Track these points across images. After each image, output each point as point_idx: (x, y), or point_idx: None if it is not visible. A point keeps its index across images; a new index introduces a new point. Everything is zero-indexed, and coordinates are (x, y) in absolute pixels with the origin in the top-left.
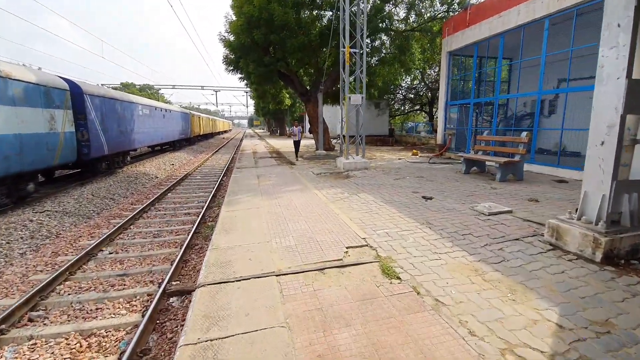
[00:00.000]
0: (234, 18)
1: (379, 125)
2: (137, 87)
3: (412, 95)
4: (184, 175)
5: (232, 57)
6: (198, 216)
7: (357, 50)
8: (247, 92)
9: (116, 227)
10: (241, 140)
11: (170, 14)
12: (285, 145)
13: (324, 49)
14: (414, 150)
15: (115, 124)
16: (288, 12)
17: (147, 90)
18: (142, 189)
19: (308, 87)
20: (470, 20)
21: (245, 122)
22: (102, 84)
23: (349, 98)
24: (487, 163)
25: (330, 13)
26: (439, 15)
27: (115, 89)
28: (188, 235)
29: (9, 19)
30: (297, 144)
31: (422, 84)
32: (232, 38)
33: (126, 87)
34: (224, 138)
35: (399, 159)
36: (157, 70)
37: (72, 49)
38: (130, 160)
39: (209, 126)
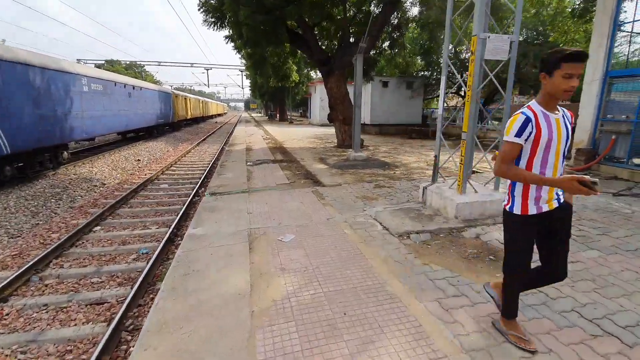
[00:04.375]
0: None
1: (410, 110)
2: (123, 64)
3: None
4: (143, 181)
5: None
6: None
7: None
8: (242, 72)
9: None
10: (235, 126)
11: None
12: (289, 135)
13: None
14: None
15: (30, 104)
16: None
17: (134, 69)
18: (57, 218)
19: (329, 54)
20: None
21: (242, 105)
22: (80, 60)
23: (482, 40)
24: None
25: None
26: None
27: (98, 66)
28: None
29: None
30: None
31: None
32: None
33: (111, 64)
34: (217, 122)
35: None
36: (149, 50)
37: (64, 30)
38: (67, 158)
39: (198, 109)
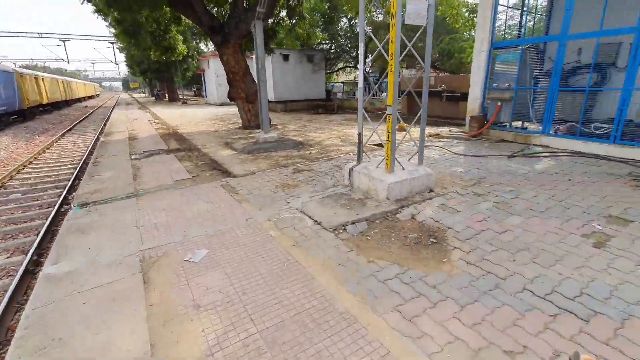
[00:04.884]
0: None
1: (313, 85)
2: None
3: (347, 45)
4: None
5: None
6: None
7: None
8: (113, 44)
9: None
10: (112, 109)
11: None
12: (184, 118)
13: None
14: (399, 124)
15: None
16: None
17: None
18: None
19: (222, 22)
20: None
21: (118, 84)
22: None
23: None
24: None
25: None
26: None
27: None
28: None
29: None
30: None
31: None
32: None
33: None
34: (87, 107)
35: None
36: None
37: None
38: None
39: (58, 91)
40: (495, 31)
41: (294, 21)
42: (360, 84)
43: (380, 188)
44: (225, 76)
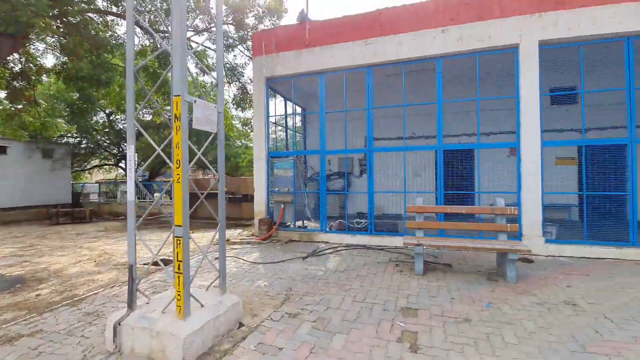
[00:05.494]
0: None
1: (52, 186)
2: None
3: (106, 140)
4: None
5: None
6: None
7: None
8: None
9: None
10: None
11: None
12: None
13: None
14: None
15: None
16: None
17: None
18: None
19: None
20: (314, 40)
21: None
22: None
23: (186, 104)
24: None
25: None
26: None
27: None
28: None
29: None
30: None
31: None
32: None
33: None
34: None
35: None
36: None
37: None
38: None
39: None
40: (271, 142)
41: (20, 106)
42: (131, 196)
43: (171, 347)
44: None
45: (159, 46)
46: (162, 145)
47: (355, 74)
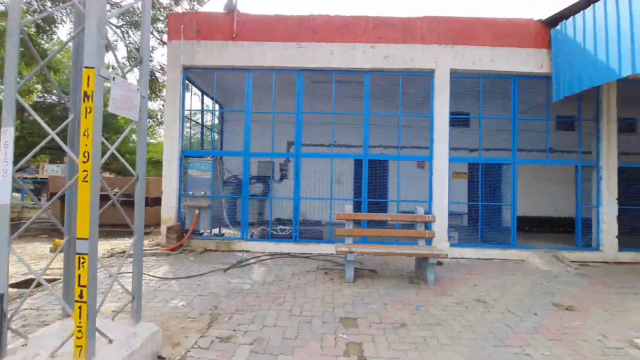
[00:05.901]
0: None
1: None
2: None
3: None
4: None
5: None
6: None
7: None
8: None
9: None
10: None
11: None
12: None
13: None
14: (55, 242)
15: None
16: None
17: None
18: None
19: None
20: (242, 34)
21: None
22: None
23: (102, 80)
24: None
25: None
26: None
27: None
28: None
29: None
30: None
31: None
32: None
33: None
34: None
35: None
36: None
37: None
38: None
39: None
40: (185, 140)
41: None
42: (5, 198)
43: None
44: None
45: None
46: (57, 129)
47: (285, 75)
